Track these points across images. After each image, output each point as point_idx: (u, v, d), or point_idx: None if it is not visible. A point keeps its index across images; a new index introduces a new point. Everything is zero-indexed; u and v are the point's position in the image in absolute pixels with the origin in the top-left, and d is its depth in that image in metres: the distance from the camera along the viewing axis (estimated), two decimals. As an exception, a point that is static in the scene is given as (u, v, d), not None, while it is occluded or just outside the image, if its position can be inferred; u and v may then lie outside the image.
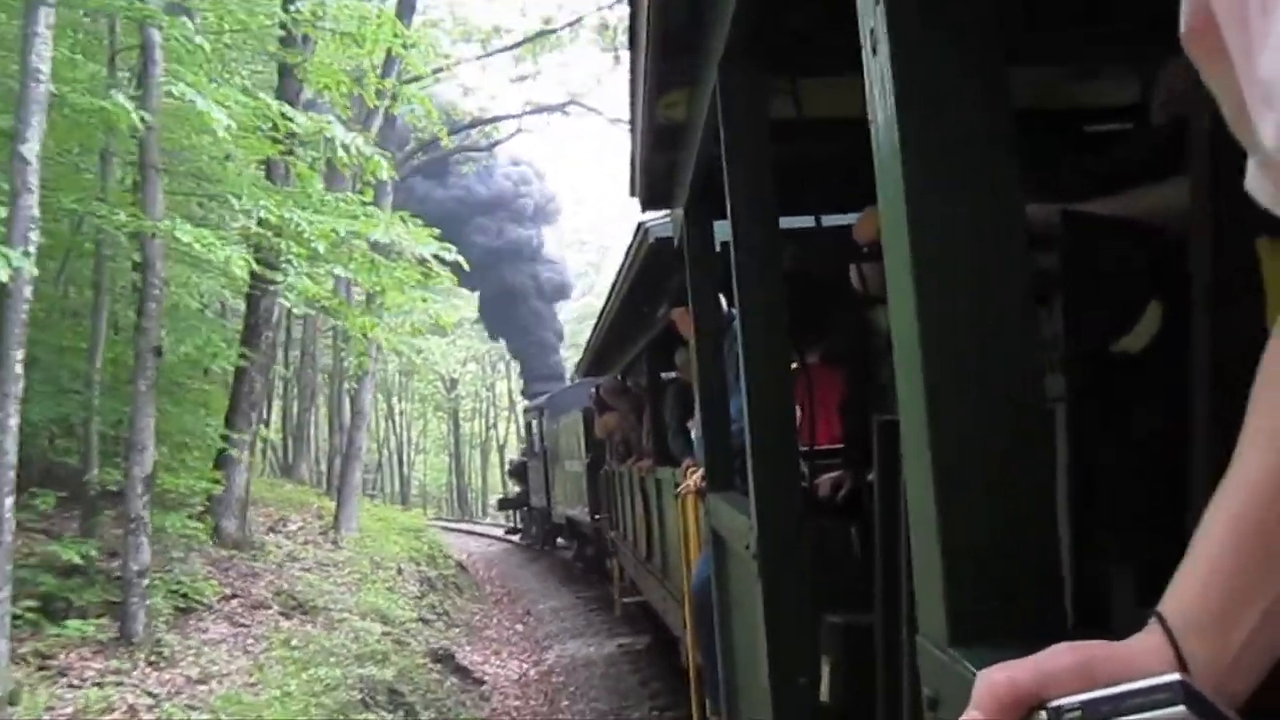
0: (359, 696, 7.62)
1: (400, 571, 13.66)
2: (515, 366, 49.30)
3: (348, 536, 14.07)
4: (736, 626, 3.21)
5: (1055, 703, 0.59)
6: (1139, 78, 2.54)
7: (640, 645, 10.67)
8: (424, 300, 11.60)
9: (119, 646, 7.22)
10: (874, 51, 0.96)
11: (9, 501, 6.36)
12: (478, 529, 32.68)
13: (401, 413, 49.95)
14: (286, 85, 11.74)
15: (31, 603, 7.04)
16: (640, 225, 6.48)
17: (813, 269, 3.38)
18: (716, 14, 2.39)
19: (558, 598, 15.89)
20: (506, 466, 32.59)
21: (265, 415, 16.66)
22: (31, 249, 6.44)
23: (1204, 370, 1.11)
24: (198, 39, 8.25)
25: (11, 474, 6.46)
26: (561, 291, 36.56)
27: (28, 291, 6.63)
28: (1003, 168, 0.94)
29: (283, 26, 10.07)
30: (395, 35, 10.39)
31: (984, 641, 0.88)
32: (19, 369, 6.51)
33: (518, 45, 21.61)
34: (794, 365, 3.20)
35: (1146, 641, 0.63)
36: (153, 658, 7.31)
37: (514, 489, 26.05)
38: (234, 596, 9.25)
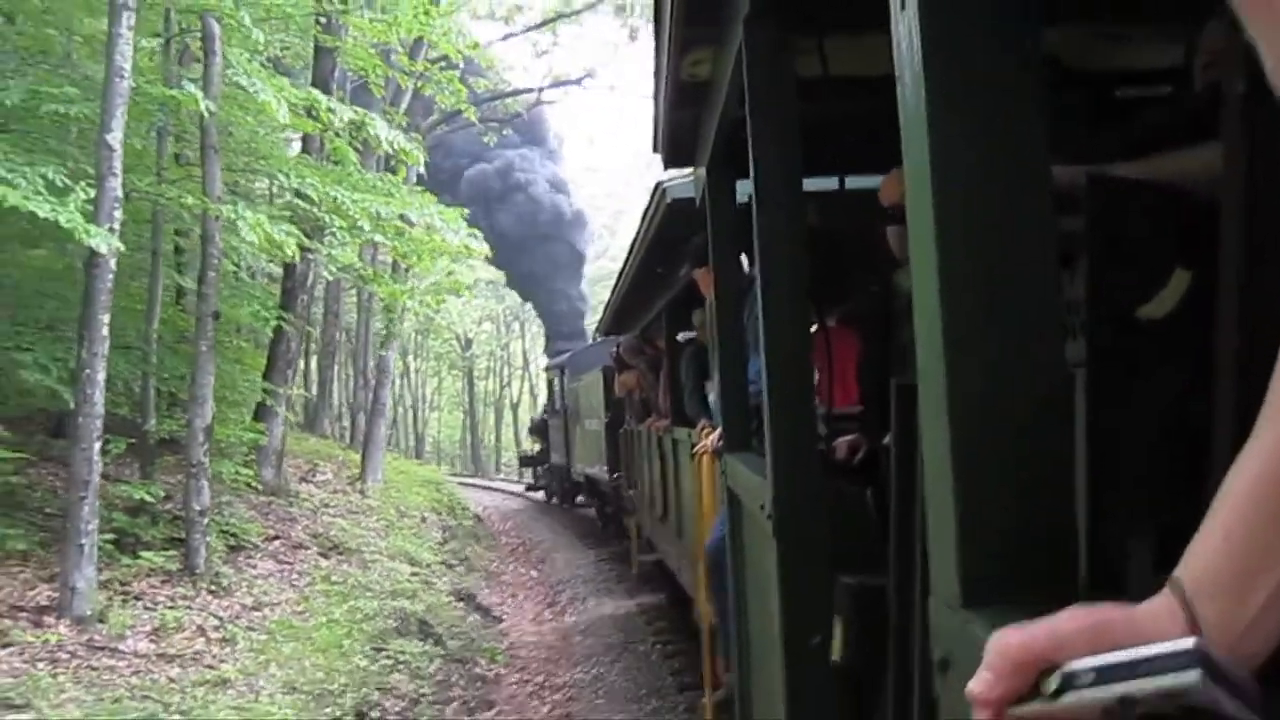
0: (394, 625, 8.51)
1: (424, 520, 14.55)
2: (530, 326, 49.83)
3: (373, 487, 14.79)
4: (750, 586, 3.23)
5: (1069, 666, 0.59)
6: (1182, 40, 2.49)
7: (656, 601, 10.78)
8: (450, 270, 11.96)
9: (183, 577, 8.12)
10: (902, 5, 0.94)
11: (98, 446, 7.17)
12: (493, 485, 33.41)
13: (417, 370, 50.30)
14: (322, 63, 12.53)
15: (108, 536, 7.75)
16: (658, 185, 6.45)
17: (836, 229, 3.35)
18: (743, -28, 2.36)
19: (574, 553, 16.13)
20: (527, 424, 32.75)
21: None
22: (116, 226, 7.17)
23: (1229, 338, 1.09)
24: (256, 33, 8.79)
25: (99, 422, 7.24)
26: (579, 259, 36.32)
27: (112, 264, 7.35)
28: (1031, 127, 0.92)
29: (322, 14, 10.69)
30: (425, 22, 10.97)
31: (996, 603, 0.87)
32: (105, 330, 7.31)
33: (540, 25, 21.92)
34: (813, 327, 3.19)
35: (1161, 605, 0.62)
36: (212, 587, 8.21)
37: (534, 446, 26.19)
38: (276, 538, 10.14)
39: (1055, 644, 0.61)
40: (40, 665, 6.08)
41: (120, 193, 7.34)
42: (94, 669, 6.26)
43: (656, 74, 3.66)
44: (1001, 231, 0.92)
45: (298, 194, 10.16)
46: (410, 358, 47.31)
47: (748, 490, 2.90)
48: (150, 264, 9.88)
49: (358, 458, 16.09)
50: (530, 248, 32.85)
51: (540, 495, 25.35)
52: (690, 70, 3.34)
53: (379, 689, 7.09)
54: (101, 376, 7.27)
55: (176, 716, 5.91)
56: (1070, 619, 0.63)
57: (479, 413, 53.62)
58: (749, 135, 2.52)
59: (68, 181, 7.15)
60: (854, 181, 3.89)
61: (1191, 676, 0.54)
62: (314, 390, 22.33)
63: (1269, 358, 0.63)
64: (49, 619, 6.68)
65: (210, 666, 6.82)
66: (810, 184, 3.74)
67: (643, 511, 10.64)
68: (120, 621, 6.99)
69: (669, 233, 6.73)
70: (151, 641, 6.96)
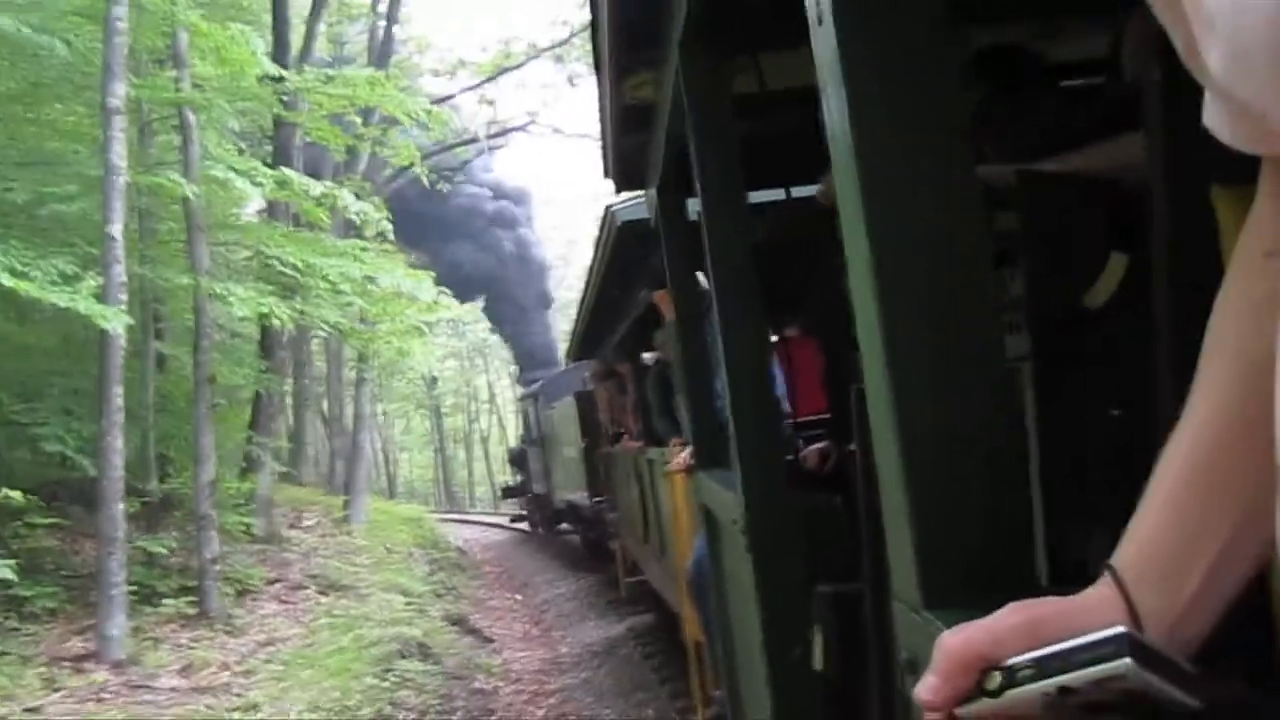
0: (396, 649, 9.16)
1: (410, 555, 15.35)
2: (493, 360, 50.13)
3: (358, 527, 15.52)
4: (732, 601, 3.23)
5: (1009, 661, 0.60)
6: (1106, 31, 2.53)
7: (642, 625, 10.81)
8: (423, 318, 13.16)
9: (200, 620, 8.90)
10: (819, 21, 0.95)
11: (120, 507, 7.95)
12: (469, 518, 33.97)
13: (384, 412, 50.23)
14: (283, 132, 13.47)
15: (131, 588, 8.31)
16: (607, 209, 6.49)
17: (784, 241, 3.38)
18: (673, 0, 2.38)
19: (559, 579, 16.16)
20: (499, 457, 32.67)
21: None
22: (123, 306, 7.93)
23: (1166, 322, 1.11)
24: (230, 123, 10.19)
25: (120, 485, 7.98)
26: (545, 297, 36.54)
27: (122, 340, 8.10)
28: (954, 129, 0.93)
29: (283, 94, 11.49)
30: (380, 93, 11.92)
31: (956, 604, 0.88)
32: (119, 401, 8.01)
33: (485, 81, 22.80)
34: (773, 339, 3.20)
35: (1098, 595, 0.63)
36: (227, 628, 8.96)
37: (515, 477, 26.02)
38: (277, 580, 10.97)
39: (995, 641, 0.62)
40: (89, 705, 6.80)
41: (124, 278, 8.12)
42: (137, 705, 6.99)
43: (600, 100, 3.67)
44: (932, 231, 0.93)
45: (280, 261, 10.86)
46: (378, 402, 47.21)
47: (721, 506, 2.91)
48: (141, 337, 10.35)
49: (339, 502, 16.61)
50: (497, 281, 33.07)
51: (525, 526, 25.19)
52: (633, 94, 3.36)
53: (390, 704, 7.78)
54: (119, 443, 7.98)
55: None
56: (1008, 615, 0.64)
57: (449, 449, 53.73)
58: (692, 154, 2.54)
59: (77, 269, 8.00)
60: (799, 191, 3.92)
61: (1123, 663, 0.55)
62: (288, 440, 22.34)
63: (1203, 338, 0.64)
64: (88, 665, 7.37)
65: (239, 695, 7.53)
66: (759, 197, 3.78)
67: (625, 534, 10.62)
68: (152, 662, 7.78)
69: (623, 255, 6.76)
70: (183, 677, 7.72)
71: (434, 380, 48.84)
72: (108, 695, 6.98)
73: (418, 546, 16.51)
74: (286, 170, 10.82)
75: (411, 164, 15.19)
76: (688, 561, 4.71)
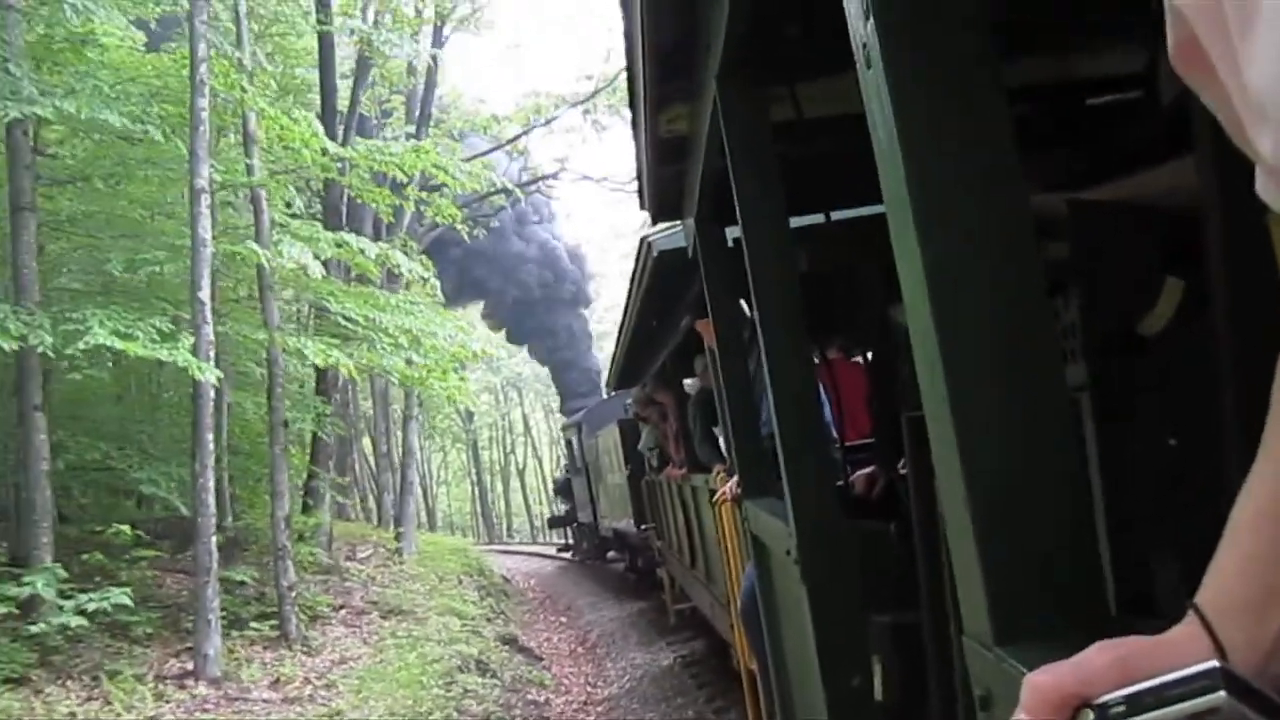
0: (457, 664, 10.23)
1: (460, 582, 16.31)
2: (527, 394, 50.67)
3: (410, 558, 16.45)
4: (786, 631, 3.21)
5: (1100, 699, 0.60)
6: (1144, 46, 2.52)
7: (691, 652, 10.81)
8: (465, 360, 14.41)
9: (280, 642, 9.86)
10: (867, 64, 0.97)
11: (214, 540, 8.87)
12: (510, 548, 35.38)
13: (422, 448, 50.73)
14: (331, 191, 14.91)
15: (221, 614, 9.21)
16: (644, 240, 6.53)
17: (826, 267, 3.38)
18: (709, 34, 2.41)
19: (605, 606, 16.23)
20: (535, 489, 32.82)
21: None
22: (211, 361, 8.96)
23: (1228, 350, 1.10)
24: (296, 201, 11.99)
25: (214, 521, 8.94)
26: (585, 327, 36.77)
27: (212, 391, 9.14)
28: (1006, 162, 0.94)
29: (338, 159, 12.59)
30: (424, 160, 13.31)
31: (1029, 639, 0.88)
32: (210, 445, 8.99)
33: (517, 138, 23.77)
34: (816, 361, 3.19)
35: (1184, 632, 0.63)
36: (305, 649, 9.92)
37: (561, 506, 26.05)
38: (342, 607, 12.00)
39: (1085, 680, 0.62)
40: (197, 715, 7.73)
41: (212, 336, 9.13)
42: (237, 715, 7.89)
43: (635, 133, 3.70)
44: (989, 262, 0.94)
45: (343, 316, 12.02)
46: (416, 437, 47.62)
47: (772, 536, 2.90)
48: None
49: (389, 535, 17.51)
50: (540, 316, 33.46)
51: (572, 555, 25.19)
52: (668, 127, 3.38)
53: (456, 710, 8.69)
54: (211, 484, 8.94)
55: None
56: (1097, 653, 0.64)
57: (486, 482, 54.21)
58: (733, 184, 2.55)
59: (172, 328, 9.04)
60: (838, 215, 3.93)
61: (1218, 696, 0.55)
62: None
63: (1268, 362, 0.64)
64: (189, 681, 8.33)
65: (323, 704, 8.48)
66: (798, 221, 3.78)
67: (671, 561, 10.60)
68: (245, 677, 8.73)
69: (660, 284, 6.78)
70: (273, 690, 8.67)
71: (470, 415, 49.28)
72: (210, 706, 7.95)
73: (466, 574, 17.37)
74: (345, 235, 12.05)
75: (453, 219, 16.60)
76: (739, 590, 4.69)
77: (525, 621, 15.64)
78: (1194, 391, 1.23)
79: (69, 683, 7.85)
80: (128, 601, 8.43)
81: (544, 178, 26.31)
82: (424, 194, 16.44)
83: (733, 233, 3.86)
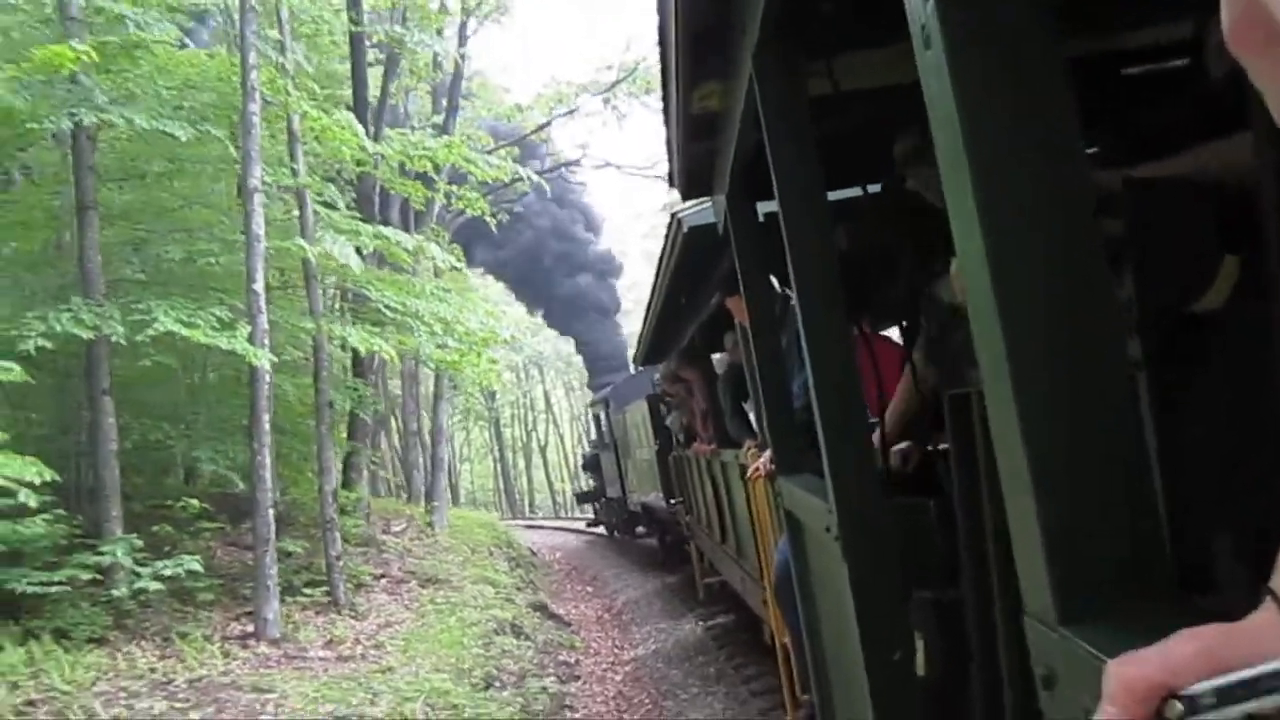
0: (493, 628, 11.15)
1: (490, 553, 17.20)
2: (548, 372, 50.98)
3: (441, 531, 17.24)
4: (821, 606, 3.22)
5: (1188, 691, 0.60)
6: (1191, 15, 2.48)
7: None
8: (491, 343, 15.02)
9: (330, 608, 10.76)
10: (926, 44, 0.96)
11: (271, 513, 9.76)
12: (534, 523, 36.49)
13: (446, 426, 51.35)
14: (364, 181, 15.77)
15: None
16: (674, 215, 6.52)
17: (864, 244, 3.35)
18: (745, 12, 2.39)
19: (635, 581, 16.40)
20: (559, 465, 32.99)
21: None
22: (267, 348, 9.71)
23: (1287, 323, 1.09)
24: (339, 204, 12.62)
25: (270, 495, 9.76)
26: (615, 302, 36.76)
27: (268, 377, 9.91)
28: (1067, 142, 0.93)
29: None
30: (454, 155, 14.53)
31: (1094, 618, 0.88)
32: (267, 427, 9.77)
33: (540, 128, 24.35)
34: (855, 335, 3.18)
35: (1264, 619, 0.63)
36: (352, 613, 10.80)
37: (589, 482, 26.12)
38: (383, 576, 12.80)
39: (1171, 670, 0.62)
40: (262, 670, 8.49)
41: (267, 325, 9.93)
42: (298, 670, 8.67)
43: (666, 110, 3.69)
44: (1050, 241, 0.93)
45: (381, 304, 12.74)
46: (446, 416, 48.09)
47: (808, 512, 2.90)
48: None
49: (419, 510, 18.38)
50: (569, 291, 33.52)
51: (601, 530, 25.30)
52: (700, 104, 3.37)
53: (495, 668, 9.57)
54: (269, 460, 9.78)
55: (374, 687, 8.35)
56: (1181, 643, 0.63)
57: (509, 458, 54.73)
58: (770, 160, 2.54)
59: (230, 317, 9.85)
60: (875, 187, 3.90)
61: None
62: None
63: None
64: (251, 642, 9.15)
65: (375, 662, 9.27)
66: (832, 195, 3.76)
67: (701, 536, 10.64)
68: (302, 638, 9.57)
69: (689, 260, 6.77)
70: (328, 650, 9.52)
71: (493, 394, 49.60)
72: (272, 664, 8.77)
73: (495, 547, 18.20)
74: (383, 229, 13.08)
75: (482, 212, 17.90)
76: (772, 565, 4.71)
77: (553, 591, 16.47)
78: (1251, 369, 1.22)
79: (143, 643, 8.66)
80: (199, 568, 9.32)
81: (566, 164, 27.34)
82: (452, 186, 17.35)
83: (764, 208, 3.86)
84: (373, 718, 7.72)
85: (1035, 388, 0.92)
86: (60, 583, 8.32)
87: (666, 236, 7.01)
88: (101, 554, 8.77)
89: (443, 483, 19.30)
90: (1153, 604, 0.91)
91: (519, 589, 14.74)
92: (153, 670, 8.08)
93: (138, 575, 8.87)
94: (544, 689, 9.15)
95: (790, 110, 2.46)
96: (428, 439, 21.25)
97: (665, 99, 3.57)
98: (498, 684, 9.13)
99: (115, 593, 8.74)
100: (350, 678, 8.64)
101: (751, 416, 6.34)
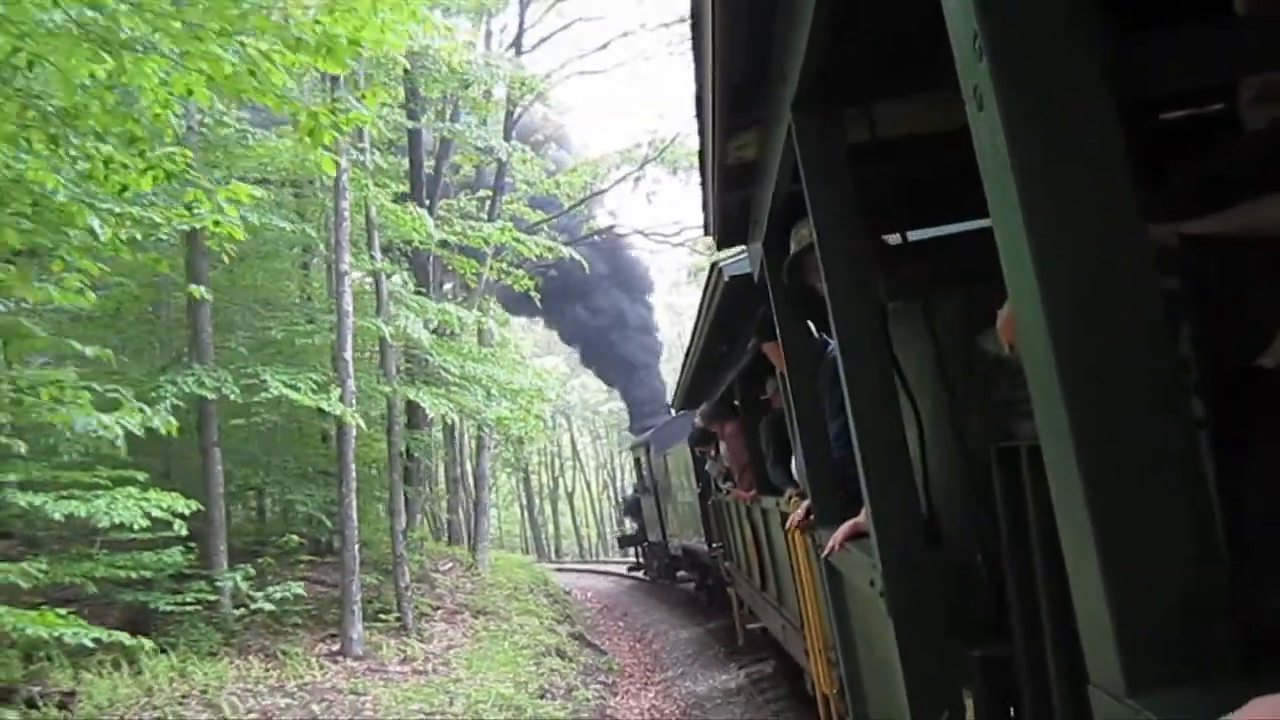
0: (541, 651, 12.81)
1: (531, 590, 18.73)
2: (576, 421, 51.44)
3: (485, 570, 18.76)
4: (864, 660, 3.16)
5: None
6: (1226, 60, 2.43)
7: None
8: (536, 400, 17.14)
9: (401, 631, 12.21)
10: (980, 107, 0.96)
11: (357, 548, 11.40)
12: (563, 565, 37.81)
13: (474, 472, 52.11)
14: (418, 255, 17.55)
15: None
16: (714, 265, 6.55)
17: (904, 293, 3.33)
18: (785, 64, 2.40)
19: (673, 629, 16.28)
20: (611, 505, 33.01)
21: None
22: (353, 408, 11.40)
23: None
24: (408, 286, 14.61)
25: (355, 532, 11.42)
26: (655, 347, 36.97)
27: (353, 432, 11.68)
28: (1122, 202, 0.92)
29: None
30: (507, 236, 16.79)
31: (1162, 688, 0.85)
32: (353, 473, 11.53)
33: (576, 205, 26.07)
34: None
35: None
36: (420, 637, 12.26)
37: (631, 526, 25.98)
38: (439, 608, 14.29)
39: None
40: (352, 680, 9.83)
41: (354, 388, 11.71)
42: (383, 680, 10.09)
43: (702, 161, 3.70)
44: (1110, 304, 0.92)
45: (443, 368, 14.74)
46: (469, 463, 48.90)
47: (851, 567, 2.86)
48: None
49: (462, 551, 20.14)
50: (611, 337, 33.89)
51: (641, 575, 25.13)
52: (737, 154, 3.38)
53: (547, 683, 11.07)
54: (355, 503, 11.47)
55: (450, 691, 9.95)
56: (1261, 709, 0.62)
57: (535, 505, 55.27)
58: (809, 208, 2.54)
59: (324, 382, 11.59)
60: (915, 235, 3.88)
61: None
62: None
63: None
64: (340, 658, 10.63)
65: (445, 675, 10.73)
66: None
67: (741, 582, 10.53)
68: (381, 655, 11.04)
69: (728, 309, 6.78)
70: (404, 665, 10.98)
71: (520, 441, 49.99)
72: (360, 674, 10.22)
73: (534, 585, 19.79)
74: (447, 307, 15.29)
75: (528, 289, 20.01)
76: (815, 613, 4.63)
77: (590, 624, 18.35)
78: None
79: (250, 657, 10.07)
80: (302, 592, 10.87)
81: (599, 232, 28.84)
82: (501, 262, 19.87)
83: (802, 258, 3.84)
84: (453, 713, 9.27)
85: (1098, 448, 0.90)
86: (189, 604, 9.86)
87: (707, 285, 7.03)
88: (221, 581, 10.45)
89: (486, 526, 20.92)
90: (1222, 673, 0.88)
91: (558, 621, 16.33)
92: (266, 677, 9.59)
93: (253, 599, 10.46)
94: (588, 699, 10.94)
95: (829, 159, 2.46)
96: (471, 484, 23.14)
97: (701, 150, 3.58)
98: (550, 694, 10.78)
99: (240, 611, 10.49)
100: (428, 686, 10.16)
101: (794, 465, 6.28)
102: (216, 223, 7.55)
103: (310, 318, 13.84)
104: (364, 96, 8.49)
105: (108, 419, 7.11)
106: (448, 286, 22.20)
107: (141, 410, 7.50)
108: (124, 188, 6.64)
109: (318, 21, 6.35)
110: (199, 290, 10.25)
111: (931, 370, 2.61)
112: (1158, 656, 0.87)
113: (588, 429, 57.25)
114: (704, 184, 3.96)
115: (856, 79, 2.47)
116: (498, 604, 15.74)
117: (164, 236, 9.97)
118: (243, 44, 6.18)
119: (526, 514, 54.57)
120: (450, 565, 18.26)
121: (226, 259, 11.41)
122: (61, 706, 7.88)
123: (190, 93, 6.36)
